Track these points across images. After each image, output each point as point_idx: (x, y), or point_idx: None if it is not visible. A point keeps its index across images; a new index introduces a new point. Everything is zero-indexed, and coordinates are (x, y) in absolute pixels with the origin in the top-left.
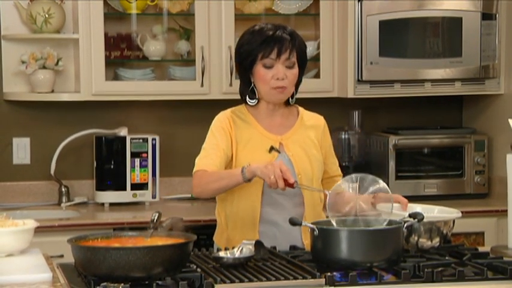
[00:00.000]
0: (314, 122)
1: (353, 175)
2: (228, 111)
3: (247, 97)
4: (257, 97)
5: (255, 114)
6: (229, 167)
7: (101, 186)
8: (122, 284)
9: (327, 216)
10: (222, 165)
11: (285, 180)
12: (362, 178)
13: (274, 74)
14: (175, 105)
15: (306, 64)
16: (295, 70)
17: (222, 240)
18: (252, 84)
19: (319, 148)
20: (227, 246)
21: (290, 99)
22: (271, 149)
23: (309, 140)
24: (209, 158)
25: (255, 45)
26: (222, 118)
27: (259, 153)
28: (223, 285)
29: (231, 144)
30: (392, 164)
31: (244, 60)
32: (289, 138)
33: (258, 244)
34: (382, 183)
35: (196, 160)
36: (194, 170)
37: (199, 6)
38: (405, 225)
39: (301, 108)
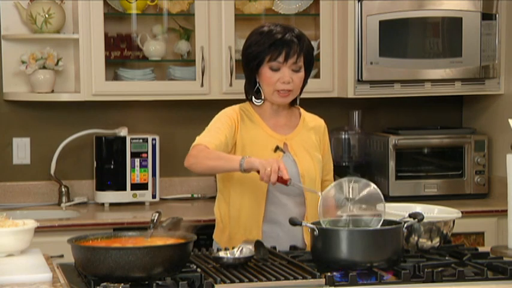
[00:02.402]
0: (315, 123)
1: (346, 178)
2: (237, 107)
3: (253, 97)
4: (263, 98)
5: (261, 113)
6: None
7: (101, 186)
8: (122, 284)
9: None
10: (221, 147)
11: (280, 177)
12: (355, 181)
13: (280, 77)
14: (175, 105)
15: (312, 67)
16: (302, 74)
17: (223, 238)
18: (258, 85)
19: (319, 150)
20: (228, 245)
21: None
22: (277, 148)
23: (311, 141)
24: (211, 137)
25: (263, 47)
26: (231, 111)
27: (264, 152)
28: (223, 285)
29: (233, 135)
30: (392, 164)
31: (251, 62)
32: (293, 138)
33: (258, 244)
34: (373, 187)
35: (197, 138)
36: (194, 144)
37: (199, 6)
38: (405, 225)
39: (302, 110)
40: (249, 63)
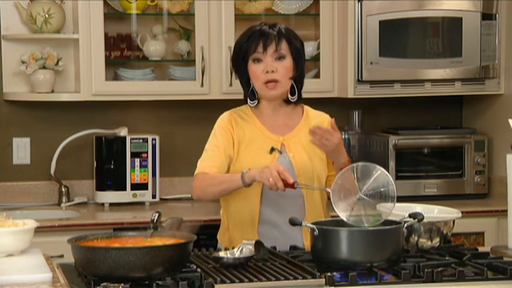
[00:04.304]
0: (319, 120)
1: (353, 165)
2: (231, 111)
3: (248, 98)
4: (257, 98)
5: (258, 114)
6: (231, 166)
7: (101, 186)
8: (122, 284)
9: (332, 216)
10: (223, 166)
11: (285, 181)
12: (363, 167)
13: (264, 68)
14: (175, 105)
15: (301, 56)
16: (287, 62)
17: (224, 239)
18: (252, 86)
19: None
20: (229, 246)
21: (290, 96)
22: (272, 149)
23: None
24: (210, 160)
25: (242, 42)
26: (224, 118)
27: (260, 154)
28: (223, 285)
29: (232, 145)
30: (392, 164)
31: (237, 58)
32: (291, 139)
33: (258, 244)
34: (380, 170)
35: (198, 162)
36: (195, 172)
37: (199, 6)
38: (405, 225)
39: (307, 108)
40: (236, 62)
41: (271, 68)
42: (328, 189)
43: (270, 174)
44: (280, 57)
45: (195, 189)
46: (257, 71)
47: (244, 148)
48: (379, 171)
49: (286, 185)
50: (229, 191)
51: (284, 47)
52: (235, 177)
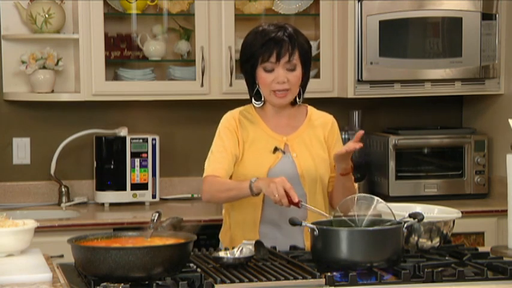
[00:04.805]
0: (322, 120)
1: (353, 196)
2: (235, 111)
3: (253, 99)
4: (263, 99)
5: (262, 114)
6: (235, 166)
7: (101, 186)
8: (122, 284)
9: (334, 216)
10: (230, 167)
11: (290, 199)
12: (363, 199)
13: (275, 78)
14: (175, 105)
15: (310, 63)
16: (298, 72)
17: (226, 238)
18: (257, 86)
19: (325, 148)
20: (230, 246)
21: (297, 99)
22: (275, 149)
23: (316, 139)
24: (217, 162)
25: (255, 48)
26: (228, 118)
27: (263, 153)
28: (223, 285)
29: (238, 144)
30: (392, 164)
31: (246, 63)
32: (295, 139)
33: (258, 244)
34: (376, 200)
35: (205, 165)
36: (204, 175)
37: (199, 6)
38: (405, 225)
39: (310, 108)
40: (244, 64)
41: (283, 79)
42: (329, 216)
43: (276, 190)
44: (292, 68)
45: (205, 193)
46: (267, 79)
47: (248, 148)
48: (379, 204)
49: (291, 202)
50: (237, 198)
51: (296, 57)
52: (244, 185)
